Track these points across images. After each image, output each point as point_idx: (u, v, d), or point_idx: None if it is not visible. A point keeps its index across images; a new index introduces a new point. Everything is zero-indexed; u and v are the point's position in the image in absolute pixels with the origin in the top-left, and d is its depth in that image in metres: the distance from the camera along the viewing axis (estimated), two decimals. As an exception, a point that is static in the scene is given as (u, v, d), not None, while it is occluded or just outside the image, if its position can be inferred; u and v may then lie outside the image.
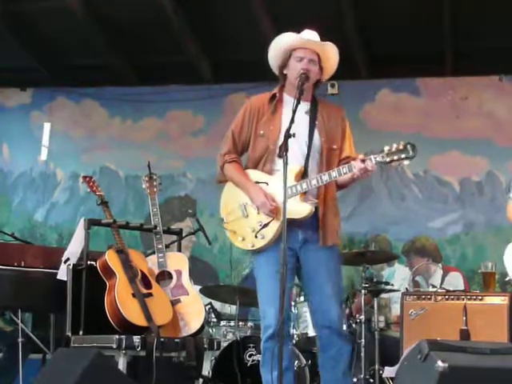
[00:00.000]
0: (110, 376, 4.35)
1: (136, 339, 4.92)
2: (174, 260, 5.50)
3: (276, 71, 4.50)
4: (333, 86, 8.24)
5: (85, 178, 5.81)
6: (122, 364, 4.88)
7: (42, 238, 8.94)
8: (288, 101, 4.41)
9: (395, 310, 6.56)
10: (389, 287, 6.39)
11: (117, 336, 4.90)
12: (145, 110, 8.93)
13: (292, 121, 4.06)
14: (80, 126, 9.20)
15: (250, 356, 5.86)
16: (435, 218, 8.07)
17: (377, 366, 5.92)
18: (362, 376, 5.91)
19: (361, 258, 6.23)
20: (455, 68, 8.06)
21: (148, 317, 5.03)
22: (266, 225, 4.28)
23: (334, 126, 4.47)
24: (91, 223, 5.51)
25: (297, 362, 5.74)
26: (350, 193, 7.96)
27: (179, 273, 5.45)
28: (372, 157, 4.17)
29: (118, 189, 8.86)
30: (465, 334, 5.25)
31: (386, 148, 4.16)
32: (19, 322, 5.34)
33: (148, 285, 5.26)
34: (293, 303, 6.13)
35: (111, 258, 5.26)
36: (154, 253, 5.52)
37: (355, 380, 5.93)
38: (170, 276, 5.43)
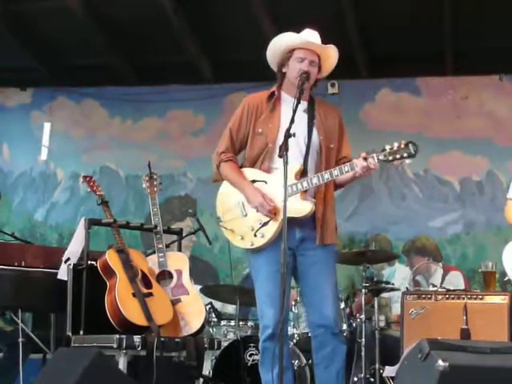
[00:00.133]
0: (110, 376, 4.35)
1: (136, 339, 4.92)
2: (174, 260, 5.50)
3: (274, 68, 4.50)
4: (333, 85, 8.25)
5: (85, 177, 5.81)
6: (122, 364, 4.88)
7: (43, 237, 8.94)
8: (286, 99, 4.42)
9: (396, 309, 6.56)
10: (389, 286, 6.40)
11: (117, 336, 4.90)
12: (145, 110, 8.93)
13: (292, 121, 4.06)
14: (80, 126, 9.20)
15: (251, 356, 5.86)
16: (435, 217, 8.07)
17: (377, 366, 5.92)
18: (362, 375, 5.91)
19: (361, 257, 6.23)
20: (455, 68, 8.06)
21: (148, 316, 5.03)
22: (265, 223, 4.28)
23: (331, 125, 4.48)
24: (91, 223, 5.51)
25: (297, 361, 5.75)
26: (350, 192, 7.98)
27: (179, 272, 5.45)
28: (374, 155, 4.17)
29: (119, 188, 8.86)
30: (465, 334, 5.25)
31: (388, 147, 4.16)
32: (19, 321, 5.33)
33: (148, 284, 5.25)
34: (293, 303, 6.14)
35: (111, 258, 5.26)
36: (154, 252, 5.52)
37: (356, 379, 5.94)
38: (170, 276, 5.43)
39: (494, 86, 8.07)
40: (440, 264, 7.83)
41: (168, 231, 5.83)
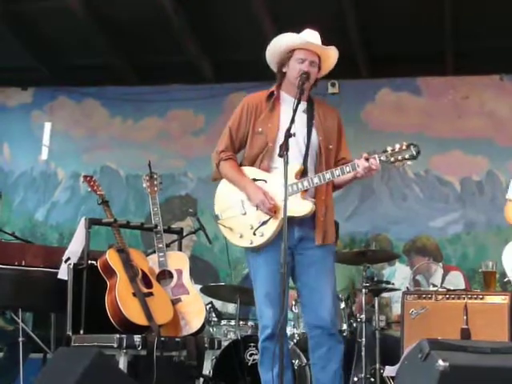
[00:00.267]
0: (110, 375, 4.35)
1: (137, 338, 4.92)
2: (174, 259, 5.50)
3: (274, 68, 4.50)
4: (333, 85, 8.25)
5: (85, 177, 5.81)
6: (122, 363, 4.88)
7: (43, 237, 8.94)
8: (286, 99, 4.43)
9: (396, 309, 6.57)
10: (390, 286, 6.40)
11: (117, 335, 4.90)
12: (146, 110, 8.93)
13: (293, 120, 4.07)
14: (81, 126, 9.20)
15: (251, 355, 5.86)
16: (436, 217, 8.07)
17: (377, 365, 5.92)
18: (362, 375, 5.91)
19: (362, 257, 6.23)
20: (456, 67, 8.05)
21: (149, 316, 5.04)
22: (265, 222, 4.28)
23: (330, 125, 4.49)
24: (92, 222, 5.51)
25: (297, 361, 5.75)
26: (351, 192, 7.98)
27: (180, 272, 5.45)
28: (376, 156, 4.18)
29: (119, 188, 8.86)
30: (465, 334, 5.25)
31: (389, 148, 4.17)
32: (20, 321, 5.33)
33: (149, 284, 5.26)
34: (293, 302, 6.14)
35: (112, 258, 5.26)
36: (154, 252, 5.52)
37: (356, 379, 5.94)
38: (170, 275, 5.43)
39: (495, 86, 8.07)
40: (440, 264, 7.83)
41: (168, 231, 5.83)
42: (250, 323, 6.46)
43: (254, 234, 4.31)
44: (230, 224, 4.39)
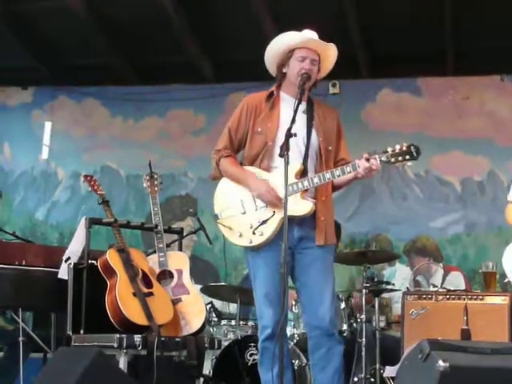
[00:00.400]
0: (110, 375, 4.35)
1: (137, 338, 4.92)
2: (174, 259, 5.50)
3: (272, 69, 4.50)
4: (334, 85, 8.25)
5: (86, 177, 5.81)
6: (122, 363, 4.88)
7: (43, 236, 8.94)
8: (286, 99, 4.43)
9: (396, 309, 6.57)
10: (390, 287, 6.39)
11: (118, 335, 4.90)
12: (146, 110, 8.94)
13: (293, 120, 4.07)
14: (81, 125, 9.20)
15: (251, 355, 5.85)
16: (436, 217, 8.07)
17: (378, 366, 5.92)
18: (362, 375, 5.91)
19: (362, 257, 6.23)
20: (456, 68, 8.06)
21: (149, 316, 5.03)
22: (264, 222, 4.28)
23: (330, 126, 4.49)
24: (92, 222, 5.51)
25: (297, 361, 5.75)
26: (351, 193, 7.98)
27: (180, 272, 5.45)
28: (376, 156, 4.18)
29: (119, 188, 8.86)
30: (466, 334, 5.25)
31: (390, 149, 4.17)
32: (20, 321, 5.33)
33: (149, 284, 5.26)
34: (293, 302, 6.14)
35: (112, 257, 5.26)
36: (154, 252, 5.52)
37: (356, 379, 5.94)
38: (170, 275, 5.43)
39: (495, 87, 8.07)
40: (440, 264, 7.82)
41: (169, 231, 5.83)
42: (250, 323, 6.46)
43: (254, 234, 4.31)
44: (229, 223, 4.39)
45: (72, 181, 9.08)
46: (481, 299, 5.42)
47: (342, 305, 6.19)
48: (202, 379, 5.50)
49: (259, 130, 4.41)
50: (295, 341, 6.03)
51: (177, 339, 5.15)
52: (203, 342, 5.31)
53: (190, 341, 5.19)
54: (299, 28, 4.46)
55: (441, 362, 3.57)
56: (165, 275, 5.43)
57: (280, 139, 4.16)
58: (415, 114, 8.24)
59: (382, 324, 6.26)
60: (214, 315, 6.68)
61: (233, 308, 6.98)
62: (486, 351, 3.79)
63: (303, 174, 4.31)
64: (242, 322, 6.44)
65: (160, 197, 5.70)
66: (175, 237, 5.94)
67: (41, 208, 9.14)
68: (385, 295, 6.57)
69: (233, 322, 6.49)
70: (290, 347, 5.44)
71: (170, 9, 7.68)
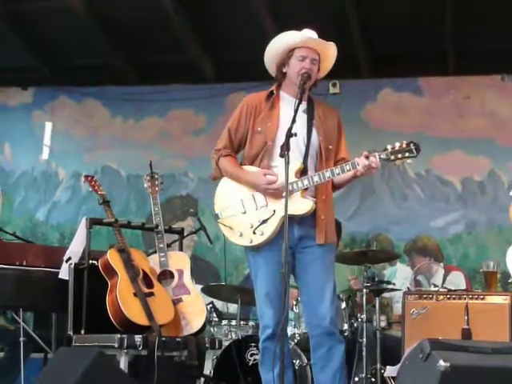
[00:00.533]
0: (111, 375, 4.36)
1: (137, 338, 4.92)
2: (175, 259, 5.50)
3: (272, 69, 4.50)
4: (334, 85, 8.24)
5: (86, 177, 5.81)
6: (123, 363, 4.88)
7: (44, 237, 8.94)
8: (285, 98, 4.43)
9: (397, 309, 6.56)
10: (390, 286, 6.39)
11: (118, 335, 4.90)
12: (146, 110, 8.93)
13: (294, 120, 4.07)
14: (82, 126, 9.20)
15: (252, 355, 5.86)
16: (437, 217, 8.07)
17: (378, 366, 5.92)
18: (363, 375, 5.91)
19: (363, 257, 6.22)
20: (457, 67, 8.05)
21: (149, 316, 5.03)
22: (264, 221, 4.28)
23: (330, 125, 4.49)
24: (93, 222, 5.50)
25: (298, 361, 5.75)
26: (351, 192, 7.98)
27: (181, 272, 5.45)
28: (376, 154, 4.18)
29: (120, 188, 8.86)
30: (466, 334, 5.25)
31: (390, 146, 4.18)
32: (21, 321, 5.33)
33: (150, 284, 5.26)
34: (294, 302, 6.14)
35: (113, 258, 5.26)
36: (155, 252, 5.52)
37: (357, 379, 5.94)
38: (171, 275, 5.43)
39: (496, 86, 8.07)
40: (441, 264, 7.82)
41: (169, 231, 5.82)
42: (251, 323, 6.46)
43: (254, 233, 4.31)
44: (229, 223, 4.40)
45: (73, 181, 9.08)
46: (481, 299, 5.42)
47: (343, 304, 6.19)
48: (202, 379, 5.50)
49: (259, 129, 4.41)
50: (296, 340, 6.03)
51: (177, 339, 5.15)
52: (204, 342, 5.31)
53: (190, 341, 5.19)
54: (299, 28, 4.46)
55: (441, 362, 3.57)
56: (165, 275, 5.43)
57: (280, 139, 4.17)
58: (416, 113, 8.24)
59: (383, 324, 6.26)
60: (214, 315, 6.69)
61: (233, 308, 6.98)
62: (487, 351, 3.79)
63: (303, 172, 4.31)
64: (242, 322, 6.44)
65: (161, 197, 5.70)
66: (176, 237, 5.94)
67: (41, 208, 9.14)
68: (385, 295, 6.56)
69: (233, 322, 6.49)
70: (290, 347, 5.44)
71: (170, 9, 7.68)
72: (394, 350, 5.71)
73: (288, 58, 4.38)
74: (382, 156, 4.18)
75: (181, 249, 5.91)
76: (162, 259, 5.42)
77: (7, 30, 8.23)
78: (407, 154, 4.15)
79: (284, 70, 4.42)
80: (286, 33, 4.40)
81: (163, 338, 4.98)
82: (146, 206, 7.54)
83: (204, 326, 5.40)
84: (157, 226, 5.52)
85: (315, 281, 4.32)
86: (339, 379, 4.29)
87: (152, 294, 5.19)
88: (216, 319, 6.66)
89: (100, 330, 5.05)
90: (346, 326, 6.15)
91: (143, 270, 5.31)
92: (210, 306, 6.68)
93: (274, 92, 4.46)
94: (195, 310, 5.34)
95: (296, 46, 4.36)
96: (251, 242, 4.32)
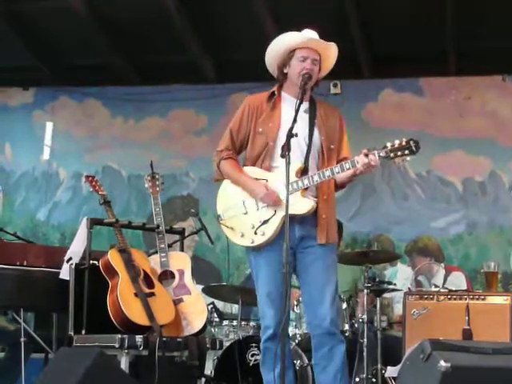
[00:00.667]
0: (112, 375, 4.36)
1: (138, 339, 4.91)
2: (176, 259, 5.50)
3: (273, 70, 4.51)
4: (335, 85, 8.24)
5: (87, 177, 5.81)
6: (124, 363, 4.88)
7: (45, 237, 8.95)
8: (287, 99, 4.43)
9: (398, 309, 6.56)
10: (391, 287, 6.38)
11: (119, 335, 4.90)
12: (147, 110, 8.94)
13: (295, 120, 4.07)
14: (82, 126, 9.20)
15: (253, 356, 5.86)
16: (438, 217, 8.07)
17: (379, 366, 5.91)
18: (364, 376, 5.90)
19: (363, 257, 6.22)
20: (458, 68, 8.05)
21: (150, 316, 5.03)
22: (266, 221, 4.29)
23: (332, 125, 4.49)
24: (94, 222, 5.50)
25: (299, 361, 5.75)
26: (352, 192, 7.98)
27: (182, 272, 5.44)
28: (375, 152, 4.18)
29: (121, 188, 8.86)
30: (467, 334, 5.25)
31: (389, 144, 4.18)
32: (21, 321, 5.33)
33: (150, 284, 5.25)
34: (295, 302, 6.14)
35: (114, 258, 5.26)
36: (156, 252, 5.52)
37: (357, 379, 5.93)
38: (172, 275, 5.42)
39: (497, 87, 8.07)
40: (442, 264, 7.82)
41: (170, 231, 5.82)
42: (252, 323, 6.46)
43: (256, 233, 4.31)
44: (231, 224, 4.40)
45: (73, 181, 9.08)
46: (482, 299, 5.42)
47: (344, 305, 6.19)
48: (203, 379, 5.50)
49: (260, 130, 4.41)
50: (297, 341, 6.03)
51: (178, 339, 5.15)
52: (205, 343, 5.31)
53: (191, 341, 5.18)
54: (300, 28, 4.46)
55: (442, 362, 3.58)
56: (166, 275, 5.42)
57: (281, 139, 4.17)
58: (417, 113, 8.24)
59: (384, 324, 6.25)
60: (215, 315, 6.69)
61: (234, 308, 6.98)
62: (488, 351, 3.79)
63: (304, 172, 4.31)
64: (243, 323, 6.44)
65: (161, 197, 5.70)
66: (177, 237, 5.94)
67: (42, 208, 9.14)
68: (386, 295, 6.56)
69: (234, 323, 6.49)
70: (291, 347, 5.43)
71: (172, 9, 7.68)
72: (394, 350, 5.71)
73: (289, 59, 4.38)
74: (381, 154, 4.18)
75: (182, 249, 5.91)
76: (163, 259, 5.42)
77: (8, 30, 8.24)
78: (407, 152, 4.14)
79: (285, 71, 4.42)
80: (287, 33, 4.40)
81: (164, 339, 4.97)
82: (147, 206, 7.53)
83: (205, 327, 5.40)
84: (158, 227, 5.52)
85: (316, 281, 4.32)
86: (340, 379, 4.28)
87: (153, 294, 5.18)
88: (217, 319, 6.66)
89: (101, 331, 5.04)
90: (346, 327, 6.15)
91: (144, 271, 5.31)
92: (211, 306, 6.68)
93: (276, 93, 4.47)
94: (196, 310, 5.34)
95: (297, 47, 4.36)
96: (252, 242, 4.32)
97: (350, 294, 6.55)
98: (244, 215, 4.37)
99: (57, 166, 9.19)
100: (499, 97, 8.07)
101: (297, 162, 4.25)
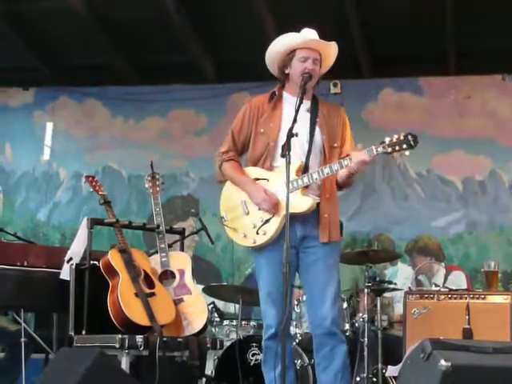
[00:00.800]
0: (112, 376, 4.35)
1: (139, 339, 4.92)
2: (176, 259, 5.50)
3: (274, 71, 4.51)
4: (335, 85, 8.24)
5: (87, 177, 5.81)
6: (124, 363, 4.88)
7: (45, 237, 8.95)
8: (288, 99, 4.44)
9: (398, 309, 6.56)
10: (392, 286, 6.39)
11: (119, 335, 4.90)
12: (147, 110, 8.94)
13: (295, 120, 4.07)
14: (82, 126, 9.20)
15: (253, 355, 5.86)
16: (438, 217, 8.07)
17: (380, 365, 5.92)
18: (365, 375, 5.91)
19: (364, 257, 6.23)
20: (458, 67, 8.06)
21: (151, 316, 5.03)
22: (267, 221, 4.29)
23: (334, 124, 4.49)
24: (94, 223, 5.50)
25: (300, 361, 5.75)
26: (352, 192, 7.97)
27: (182, 272, 5.44)
28: (373, 147, 4.19)
29: (121, 188, 8.87)
30: (467, 333, 5.25)
31: (387, 139, 4.18)
32: (22, 321, 5.33)
33: (151, 284, 5.25)
34: (296, 302, 6.14)
35: (114, 258, 5.26)
36: (156, 252, 5.51)
37: (358, 379, 5.94)
38: (172, 275, 5.42)
39: (497, 86, 8.07)
40: (442, 264, 7.82)
41: (170, 231, 5.82)
42: (252, 323, 6.46)
43: (257, 233, 4.32)
44: (234, 224, 4.41)
45: (74, 181, 9.08)
46: (483, 298, 5.42)
47: (345, 304, 6.19)
48: (204, 379, 5.50)
49: (261, 130, 4.42)
50: (297, 340, 6.03)
51: (179, 339, 5.15)
52: (205, 343, 5.31)
53: (192, 341, 5.18)
54: (300, 28, 4.46)
55: (443, 362, 3.58)
56: (167, 275, 5.42)
57: (282, 139, 4.17)
58: (417, 113, 8.24)
59: (384, 323, 6.25)
60: (216, 315, 6.69)
61: (235, 308, 6.98)
62: (488, 350, 3.79)
63: (304, 170, 4.31)
64: (243, 322, 6.44)
65: (162, 197, 5.70)
66: (177, 237, 5.94)
67: (42, 209, 9.14)
68: (387, 295, 6.56)
69: (235, 322, 6.49)
70: (292, 347, 5.43)
71: (171, 9, 7.68)
72: (395, 349, 5.71)
73: (290, 60, 4.38)
74: (379, 149, 4.18)
75: (182, 249, 5.91)
76: (163, 259, 5.42)
77: (8, 30, 8.24)
78: (405, 146, 4.14)
79: (286, 72, 4.42)
80: (287, 34, 4.40)
81: (164, 339, 4.97)
82: (147, 207, 7.54)
83: (205, 326, 5.40)
84: (158, 227, 5.52)
85: (317, 281, 4.32)
86: (341, 379, 4.29)
87: (153, 294, 5.18)
88: (217, 319, 6.66)
89: (101, 331, 5.04)
90: (347, 326, 6.15)
91: (144, 271, 5.30)
92: (212, 306, 6.68)
93: (277, 93, 4.47)
94: (196, 310, 5.34)
95: (297, 47, 4.36)
96: (254, 242, 4.33)
97: (350, 293, 6.55)
98: (246, 216, 4.38)
99: (57, 166, 9.19)
100: (499, 96, 8.07)
101: (296, 161, 4.25)
